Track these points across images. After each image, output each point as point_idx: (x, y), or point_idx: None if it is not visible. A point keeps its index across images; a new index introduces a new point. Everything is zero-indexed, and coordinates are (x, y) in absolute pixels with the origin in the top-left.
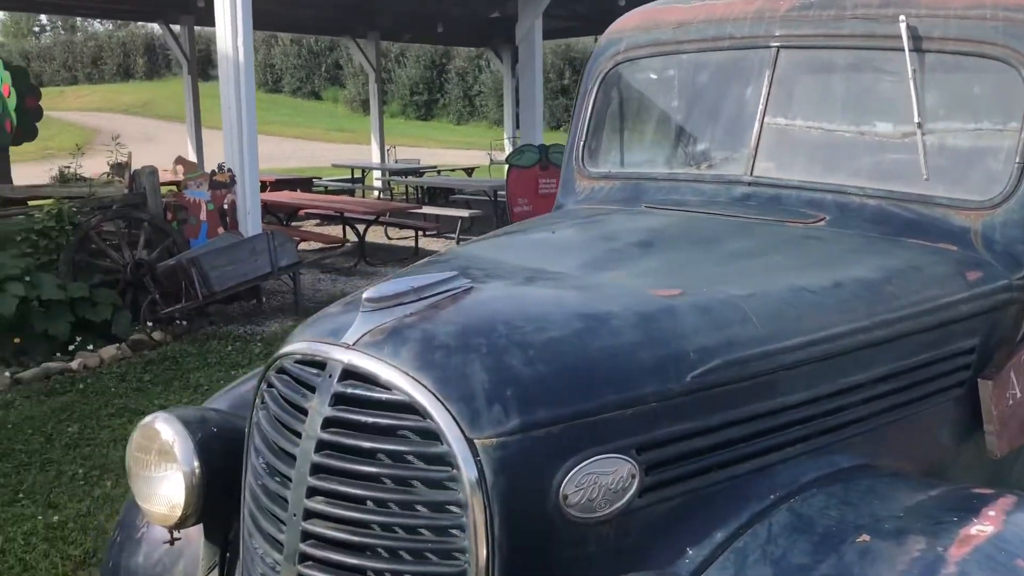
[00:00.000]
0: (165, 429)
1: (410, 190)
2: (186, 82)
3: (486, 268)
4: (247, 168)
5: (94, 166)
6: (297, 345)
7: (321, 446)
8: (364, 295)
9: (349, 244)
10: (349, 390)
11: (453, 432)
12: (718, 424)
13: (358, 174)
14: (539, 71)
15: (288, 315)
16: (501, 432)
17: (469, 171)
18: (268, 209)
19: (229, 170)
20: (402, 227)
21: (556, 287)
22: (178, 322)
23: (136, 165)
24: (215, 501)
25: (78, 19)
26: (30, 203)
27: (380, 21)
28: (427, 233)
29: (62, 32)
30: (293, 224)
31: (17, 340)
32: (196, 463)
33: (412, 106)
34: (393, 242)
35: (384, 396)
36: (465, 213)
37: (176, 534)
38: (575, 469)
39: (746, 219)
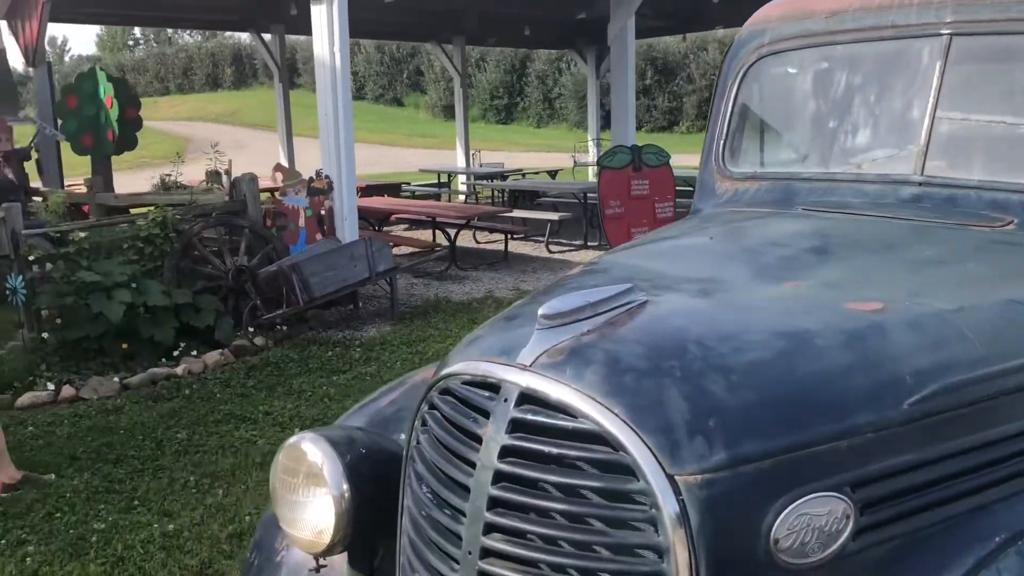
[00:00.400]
0: (312, 450)
1: (495, 193)
2: (277, 90)
3: (650, 279)
4: (344, 174)
5: (191, 174)
6: (464, 364)
7: (498, 478)
8: (540, 311)
9: (441, 249)
10: (528, 416)
11: (651, 467)
12: (936, 457)
13: (444, 179)
14: (631, 71)
15: (385, 320)
16: (706, 468)
17: (552, 173)
18: (360, 214)
19: (327, 176)
20: (492, 231)
21: (737, 300)
22: (279, 327)
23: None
24: (363, 527)
25: (170, 32)
26: (131, 211)
27: (466, 26)
28: (515, 236)
29: (155, 45)
30: (384, 229)
31: (124, 346)
32: (346, 487)
33: (492, 110)
34: (481, 246)
35: (569, 424)
36: (555, 216)
37: (321, 561)
38: (787, 509)
39: (922, 222)
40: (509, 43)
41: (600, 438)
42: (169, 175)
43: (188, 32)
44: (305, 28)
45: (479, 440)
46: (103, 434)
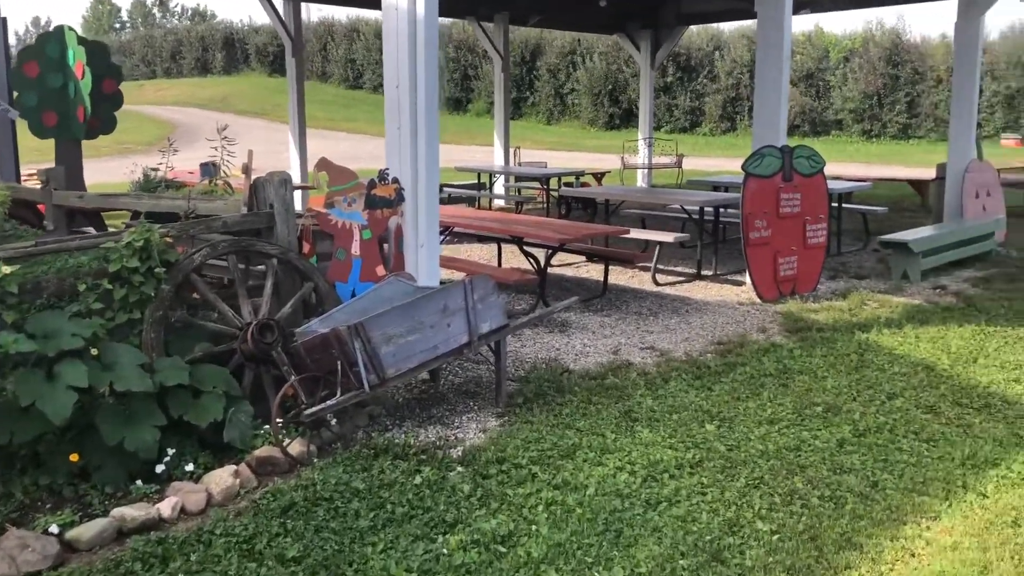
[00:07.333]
0: None
1: (550, 201)
2: (290, 67)
3: None
4: (423, 177)
5: (185, 166)
6: None
7: None
8: None
9: (576, 302)
10: None
11: None
12: None
13: (485, 179)
14: (787, 47)
15: (485, 405)
16: None
17: (599, 176)
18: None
19: (395, 180)
20: (590, 255)
21: None
22: (329, 424)
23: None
24: None
25: (157, 15)
26: (103, 214)
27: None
28: (593, 259)
29: (141, 28)
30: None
31: (74, 457)
32: None
33: None
34: (556, 271)
35: None
36: (670, 238)
37: None
38: None
39: None
40: (552, 24)
41: None
42: (156, 169)
43: (177, 16)
44: None
45: None
46: None
